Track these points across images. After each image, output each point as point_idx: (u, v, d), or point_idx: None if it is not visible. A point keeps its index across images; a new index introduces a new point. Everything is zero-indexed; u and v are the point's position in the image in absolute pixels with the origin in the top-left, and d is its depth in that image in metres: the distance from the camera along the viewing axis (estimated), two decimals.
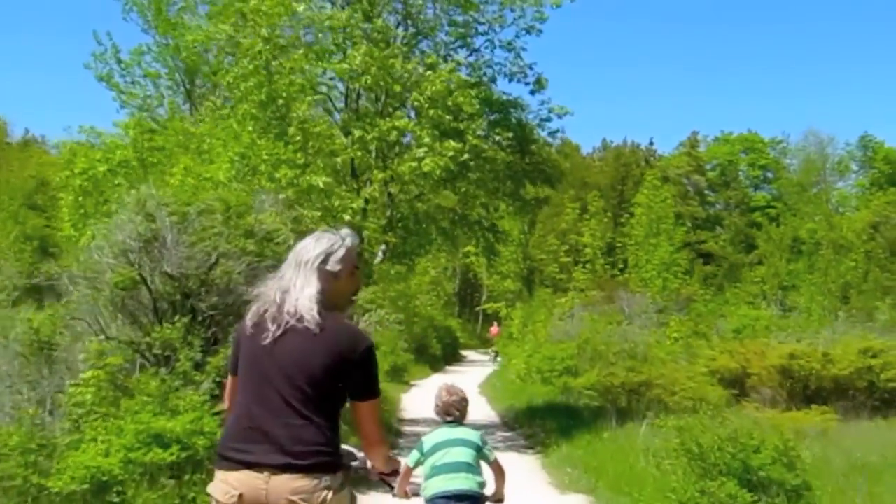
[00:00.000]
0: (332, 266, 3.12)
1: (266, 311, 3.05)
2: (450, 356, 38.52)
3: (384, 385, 22.65)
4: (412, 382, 26.19)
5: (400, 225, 15.12)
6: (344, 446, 3.13)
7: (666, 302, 30.60)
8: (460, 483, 4.56)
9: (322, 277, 3.08)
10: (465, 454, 4.66)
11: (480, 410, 19.23)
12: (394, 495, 3.80)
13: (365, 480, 3.60)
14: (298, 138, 13.12)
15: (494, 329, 45.52)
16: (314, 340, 2.96)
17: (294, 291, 3.04)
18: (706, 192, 70.49)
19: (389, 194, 14.94)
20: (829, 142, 66.42)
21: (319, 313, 2.99)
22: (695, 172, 70.07)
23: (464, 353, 44.95)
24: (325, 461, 2.92)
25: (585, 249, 49.60)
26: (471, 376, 29.39)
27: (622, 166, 67.73)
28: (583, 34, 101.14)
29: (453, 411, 4.82)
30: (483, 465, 4.76)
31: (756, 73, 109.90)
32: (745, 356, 17.30)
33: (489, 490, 4.74)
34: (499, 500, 4.77)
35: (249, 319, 3.10)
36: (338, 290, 3.13)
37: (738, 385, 16.90)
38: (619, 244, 52.25)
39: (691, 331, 25.27)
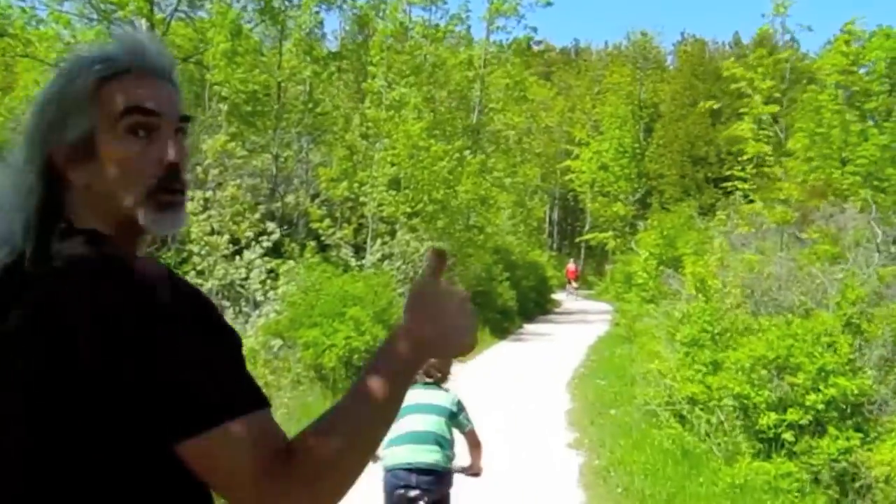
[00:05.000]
0: (71, 133, 1.18)
1: None
2: (533, 307, 25.73)
3: None
4: None
5: None
6: None
7: None
8: (425, 456, 3.98)
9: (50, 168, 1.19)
10: (434, 423, 4.04)
11: None
12: None
13: None
14: None
15: (571, 268, 36.72)
16: None
17: None
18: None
19: None
20: None
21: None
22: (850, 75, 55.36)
23: (557, 297, 32.67)
24: None
25: (746, 141, 34.21)
26: (562, 353, 16.61)
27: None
28: None
29: (433, 371, 4.07)
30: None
31: None
32: None
33: (461, 462, 4.13)
34: (475, 474, 4.21)
35: None
36: (104, 182, 1.19)
37: None
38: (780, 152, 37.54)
39: None
